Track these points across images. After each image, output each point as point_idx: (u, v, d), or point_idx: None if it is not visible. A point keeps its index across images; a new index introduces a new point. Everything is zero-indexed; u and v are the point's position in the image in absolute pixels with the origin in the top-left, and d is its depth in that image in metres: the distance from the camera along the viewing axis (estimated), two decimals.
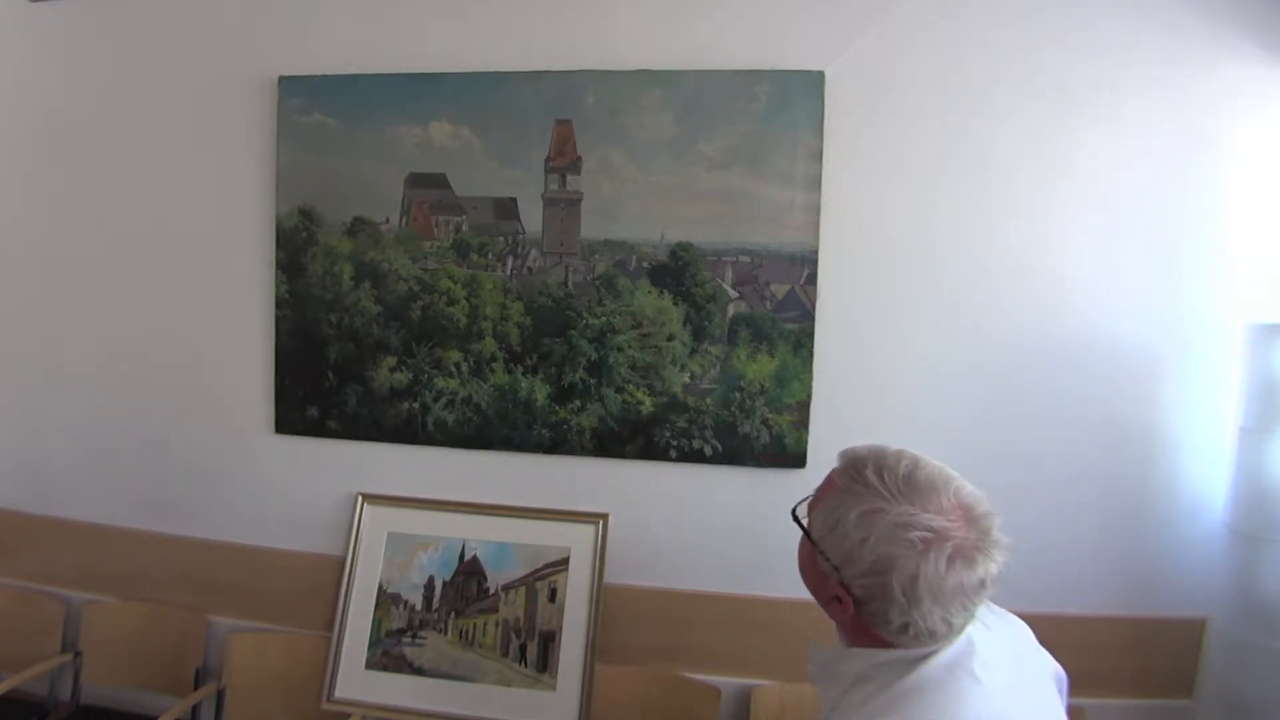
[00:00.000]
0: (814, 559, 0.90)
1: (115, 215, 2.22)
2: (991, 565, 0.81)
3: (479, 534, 2.05)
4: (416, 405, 2.07)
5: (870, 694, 0.84)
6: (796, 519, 0.93)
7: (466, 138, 2.01)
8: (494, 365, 2.03)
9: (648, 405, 1.98)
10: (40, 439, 2.32)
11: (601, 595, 1.95)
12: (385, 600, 2.04)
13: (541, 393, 2.02)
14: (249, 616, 2.15)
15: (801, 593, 1.88)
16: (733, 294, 1.94)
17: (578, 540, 2.00)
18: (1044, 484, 1.82)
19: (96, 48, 2.21)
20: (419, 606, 2.03)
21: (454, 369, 2.05)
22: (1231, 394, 1.79)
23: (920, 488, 0.83)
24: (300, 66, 2.07)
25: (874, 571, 0.82)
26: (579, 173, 1.96)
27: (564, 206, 1.98)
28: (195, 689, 2.09)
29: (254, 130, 2.11)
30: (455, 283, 2.04)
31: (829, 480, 0.91)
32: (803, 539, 0.93)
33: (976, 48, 1.83)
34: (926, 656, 0.84)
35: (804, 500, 0.95)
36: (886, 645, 0.86)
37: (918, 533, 0.80)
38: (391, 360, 2.08)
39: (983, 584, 0.81)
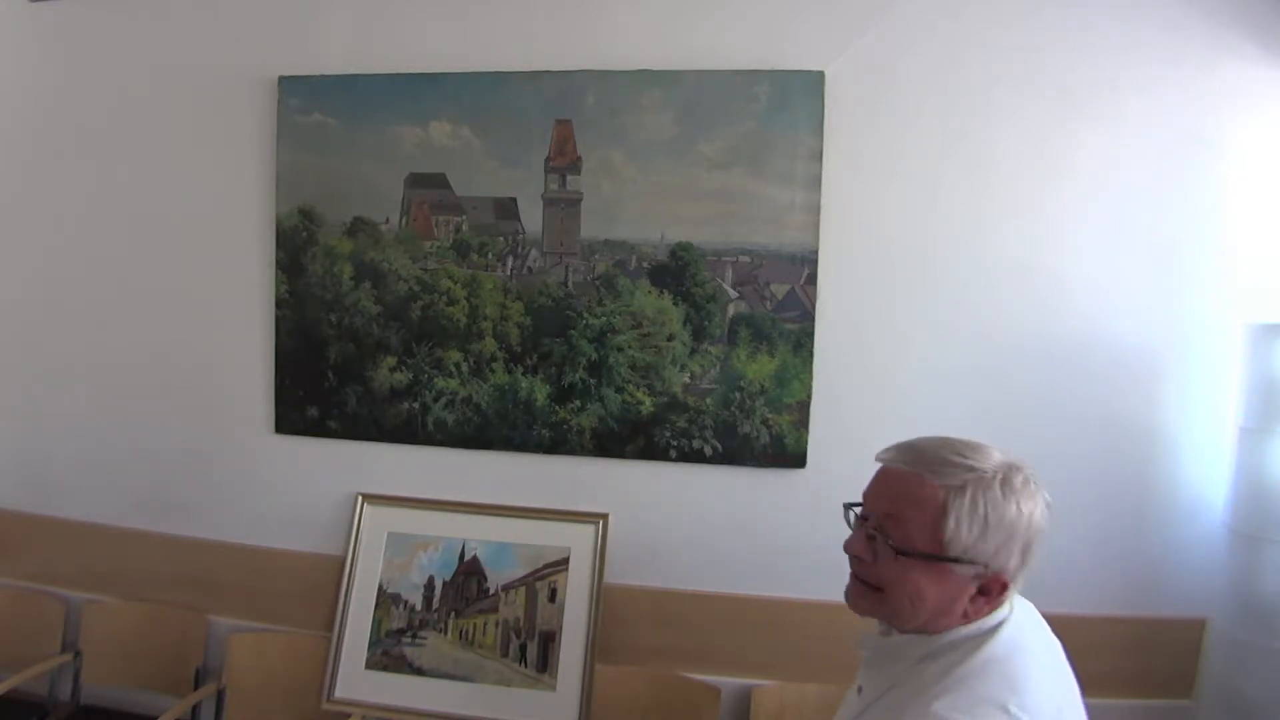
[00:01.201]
0: (943, 577, 0.85)
1: (115, 215, 2.22)
2: None
3: (479, 534, 2.05)
4: (416, 405, 2.07)
5: (941, 671, 0.84)
6: (926, 554, 0.85)
7: (466, 138, 2.01)
8: (494, 365, 2.03)
9: (648, 405, 1.98)
10: (40, 439, 2.32)
11: (601, 595, 1.95)
12: (385, 600, 2.04)
13: (541, 393, 2.02)
14: (249, 616, 2.15)
15: (800, 593, 1.88)
16: (733, 294, 1.94)
17: (578, 540, 2.00)
18: (1044, 484, 1.81)
19: (96, 48, 2.21)
20: (419, 606, 2.03)
21: (454, 369, 2.05)
22: (1231, 394, 1.79)
23: (979, 447, 0.88)
24: (300, 66, 2.07)
25: (1026, 533, 0.84)
26: (579, 173, 1.96)
27: (564, 206, 1.98)
28: (195, 689, 2.09)
29: (254, 130, 2.11)
30: (455, 283, 2.04)
31: (923, 495, 0.85)
32: (909, 575, 0.86)
33: (976, 48, 1.83)
34: (994, 630, 0.86)
35: (859, 540, 0.90)
36: (965, 622, 0.87)
37: (1020, 479, 0.86)
38: (391, 360, 2.08)
39: (1049, 505, 0.89)
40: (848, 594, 0.95)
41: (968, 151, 1.84)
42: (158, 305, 2.21)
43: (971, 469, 0.85)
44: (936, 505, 0.85)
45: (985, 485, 0.84)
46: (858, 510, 0.95)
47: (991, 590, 0.86)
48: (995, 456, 0.88)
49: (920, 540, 0.85)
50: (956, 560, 0.84)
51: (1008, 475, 0.86)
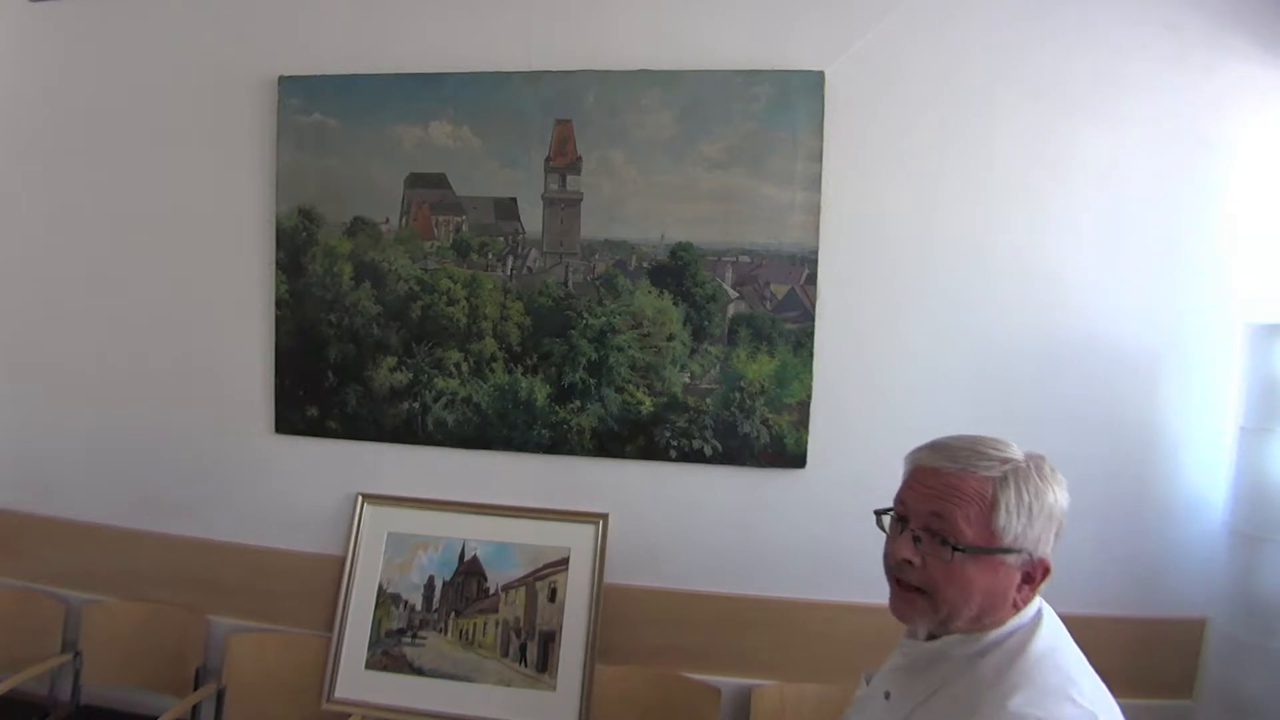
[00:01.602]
0: (994, 569, 0.87)
1: (115, 215, 2.22)
2: None
3: (479, 534, 2.05)
4: (416, 405, 2.07)
5: (998, 667, 0.86)
6: (980, 548, 0.87)
7: (466, 138, 2.01)
8: (494, 365, 2.03)
9: (648, 405, 1.98)
10: (40, 439, 2.32)
11: (601, 595, 1.95)
12: (385, 600, 2.04)
13: (541, 393, 2.02)
14: (249, 616, 2.15)
15: (800, 593, 1.89)
16: (733, 294, 1.94)
17: (578, 540, 2.00)
18: None
19: (96, 48, 2.21)
20: (419, 606, 2.03)
21: (454, 369, 2.05)
22: (1231, 394, 1.79)
23: (1000, 440, 0.92)
24: (300, 66, 2.07)
25: (1060, 516, 0.89)
26: (579, 173, 1.96)
27: (564, 206, 1.98)
28: (195, 689, 2.09)
29: (254, 130, 2.11)
30: (455, 283, 2.04)
31: (969, 490, 0.87)
32: (966, 571, 0.87)
33: (976, 48, 1.83)
34: (1036, 624, 0.89)
35: (907, 544, 0.90)
36: (1014, 610, 0.89)
37: (1048, 467, 0.91)
38: (391, 360, 2.08)
39: None
40: (893, 605, 0.94)
41: (968, 151, 1.84)
42: (157, 305, 2.21)
43: (1006, 460, 0.88)
44: (986, 498, 0.87)
45: (1025, 475, 0.87)
46: (890, 516, 0.96)
47: (1035, 576, 0.89)
48: (1017, 448, 0.92)
49: (973, 534, 0.86)
50: (1007, 550, 0.87)
51: (1038, 463, 0.90)
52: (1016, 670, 0.84)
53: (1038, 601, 0.91)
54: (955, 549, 0.86)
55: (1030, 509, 0.86)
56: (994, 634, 0.88)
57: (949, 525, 0.87)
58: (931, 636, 0.94)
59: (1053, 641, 0.88)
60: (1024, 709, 0.80)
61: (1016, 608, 0.90)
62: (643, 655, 1.96)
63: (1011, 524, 0.86)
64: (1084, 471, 1.79)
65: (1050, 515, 0.88)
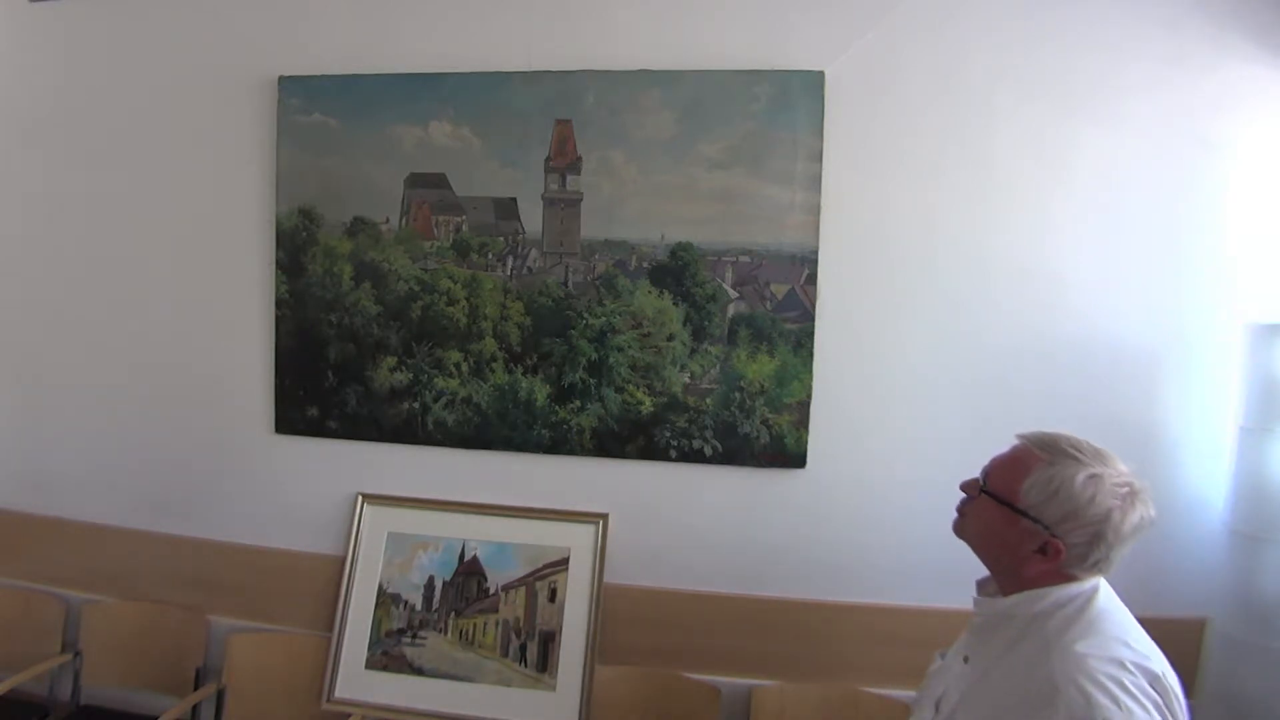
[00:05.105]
0: (1011, 524, 1.05)
1: (115, 215, 2.22)
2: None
3: (479, 534, 2.05)
4: (416, 405, 2.07)
5: (1064, 623, 1.01)
6: (995, 496, 1.07)
7: (466, 138, 2.01)
8: (494, 365, 2.03)
9: (648, 405, 1.98)
10: (41, 439, 2.32)
11: (601, 595, 1.95)
12: (385, 600, 2.04)
13: (541, 393, 2.02)
14: (249, 616, 2.15)
15: (801, 593, 1.90)
16: (733, 294, 1.94)
17: (578, 540, 2.00)
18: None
19: (96, 48, 2.21)
20: (419, 606, 2.03)
21: (454, 369, 2.05)
22: (1231, 394, 1.79)
23: (1103, 455, 1.04)
24: (300, 66, 2.07)
25: (1094, 521, 0.99)
26: (579, 173, 1.96)
27: (564, 206, 1.98)
28: (195, 689, 2.09)
29: (254, 130, 2.11)
30: (455, 283, 2.04)
31: (1023, 459, 1.06)
32: (988, 512, 1.08)
33: (977, 48, 1.83)
34: (1096, 589, 1.03)
35: (972, 481, 1.12)
36: (1065, 579, 1.03)
37: (1123, 488, 1.01)
38: (391, 360, 2.08)
39: (1152, 523, 1.02)
40: (953, 523, 1.18)
41: (968, 151, 1.84)
42: (158, 305, 2.21)
43: (1073, 457, 1.02)
44: (1026, 469, 1.05)
45: (1072, 469, 1.01)
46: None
47: (1049, 553, 1.02)
48: (1113, 463, 1.03)
49: (1000, 487, 1.07)
50: (1023, 514, 1.03)
51: (1103, 473, 1.01)
52: (1080, 625, 1.00)
53: (1097, 579, 1.05)
54: (983, 490, 1.10)
55: (1056, 492, 1.01)
56: (1055, 597, 1.02)
57: (993, 476, 1.10)
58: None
59: (1109, 605, 1.03)
60: (1089, 648, 0.97)
61: (1027, 566, 1.04)
62: (643, 655, 1.96)
63: (1031, 494, 1.03)
64: None
65: (1075, 508, 1.00)
